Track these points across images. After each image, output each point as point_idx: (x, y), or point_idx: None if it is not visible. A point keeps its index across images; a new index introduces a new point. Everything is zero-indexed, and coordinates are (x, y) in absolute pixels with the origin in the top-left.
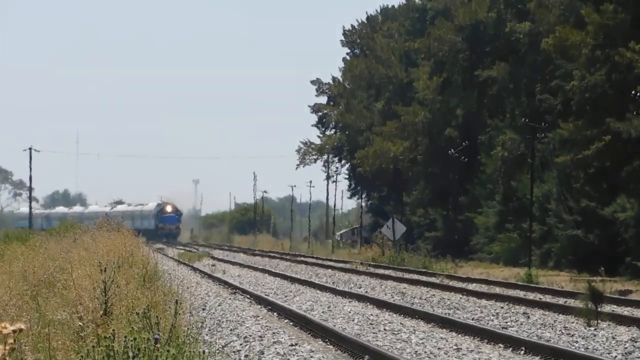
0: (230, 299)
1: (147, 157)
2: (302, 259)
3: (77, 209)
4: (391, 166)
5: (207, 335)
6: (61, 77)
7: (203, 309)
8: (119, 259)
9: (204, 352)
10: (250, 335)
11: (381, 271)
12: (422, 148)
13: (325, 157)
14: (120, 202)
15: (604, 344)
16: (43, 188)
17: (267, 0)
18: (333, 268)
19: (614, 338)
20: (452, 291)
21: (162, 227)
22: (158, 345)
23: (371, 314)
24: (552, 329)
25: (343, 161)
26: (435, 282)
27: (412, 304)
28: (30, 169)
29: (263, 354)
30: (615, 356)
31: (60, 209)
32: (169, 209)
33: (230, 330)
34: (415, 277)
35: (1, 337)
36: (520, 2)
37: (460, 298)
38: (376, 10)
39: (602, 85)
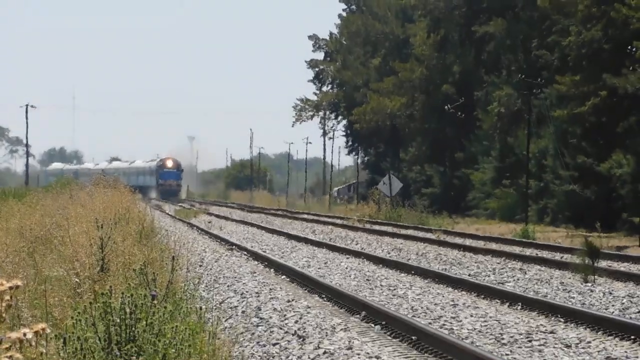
0: (227, 255)
1: (142, 114)
2: (299, 215)
3: (102, 165)
4: (388, 123)
5: (204, 291)
6: (57, 32)
7: (200, 266)
8: (116, 215)
9: (201, 308)
10: (247, 292)
11: (378, 227)
12: (419, 104)
13: (321, 113)
14: (117, 159)
15: (601, 299)
16: (39, 145)
17: None
18: (329, 224)
19: (610, 294)
20: (449, 247)
21: (163, 183)
22: (155, 302)
23: (368, 270)
24: (549, 284)
25: (340, 117)
26: (432, 238)
27: (409, 259)
28: (27, 125)
29: (260, 310)
30: (612, 312)
31: (88, 165)
32: (169, 163)
33: (228, 286)
34: (412, 233)
35: None
36: None
37: (457, 254)
38: None
39: (598, 41)
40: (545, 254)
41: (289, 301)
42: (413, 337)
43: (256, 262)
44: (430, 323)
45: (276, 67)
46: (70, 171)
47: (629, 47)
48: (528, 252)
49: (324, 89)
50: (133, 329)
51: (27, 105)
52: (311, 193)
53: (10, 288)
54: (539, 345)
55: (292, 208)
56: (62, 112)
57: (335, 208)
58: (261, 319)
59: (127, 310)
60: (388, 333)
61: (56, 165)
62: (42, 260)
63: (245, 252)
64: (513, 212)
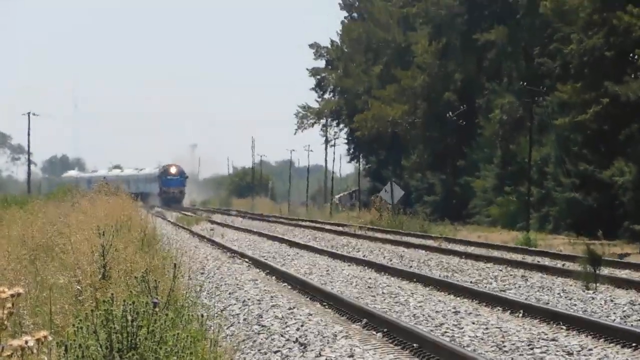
0: (228, 262)
1: (144, 122)
2: (301, 222)
3: (116, 171)
4: (389, 130)
5: (205, 298)
6: (59, 39)
7: (202, 273)
8: (117, 222)
9: (202, 315)
10: (248, 299)
11: (379, 235)
12: (421, 112)
13: (323, 121)
14: (118, 167)
15: (603, 307)
16: (41, 152)
17: None
18: (331, 232)
19: (612, 301)
20: (451, 254)
21: (166, 190)
22: (157, 309)
23: (369, 278)
24: (551, 291)
25: (341, 125)
26: (434, 245)
27: (411, 267)
28: (29, 133)
29: (261, 317)
30: (614, 319)
31: (101, 173)
32: (173, 170)
33: (229, 293)
34: (414, 240)
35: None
36: None
37: (459, 261)
38: None
39: (600, 48)
40: (547, 262)
41: (290, 309)
42: (415, 345)
43: (258, 270)
44: (432, 330)
45: (278, 74)
46: (83, 179)
47: (631, 55)
48: (530, 259)
49: (326, 96)
50: (134, 336)
51: (29, 113)
52: (313, 200)
53: (12, 295)
54: (541, 352)
55: (293, 215)
56: (64, 120)
57: (337, 215)
58: (262, 326)
59: (129, 317)
60: (390, 340)
61: (71, 174)
62: (44, 268)
63: (247, 260)
64: (515, 220)
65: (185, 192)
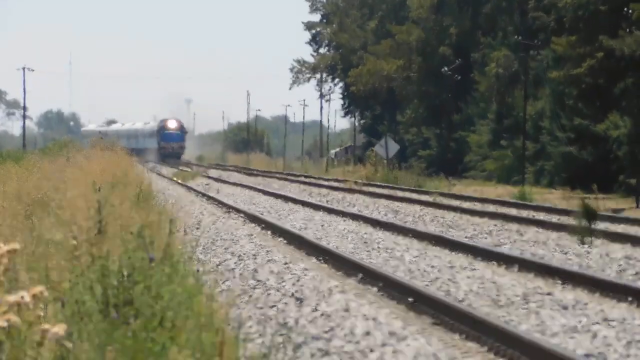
0: (224, 218)
1: (139, 77)
2: (296, 177)
3: (128, 125)
4: (385, 85)
5: (201, 254)
6: None
7: (197, 228)
8: (114, 178)
9: (198, 270)
10: (244, 254)
11: (375, 190)
12: (416, 67)
13: (318, 76)
14: (114, 121)
15: (598, 261)
16: (36, 107)
17: None
18: (327, 187)
19: (607, 255)
20: (446, 209)
21: (165, 146)
22: (153, 264)
23: (365, 233)
24: (546, 246)
25: (337, 80)
26: (429, 200)
27: (406, 222)
28: (24, 88)
29: (257, 272)
30: (609, 273)
31: (115, 127)
32: (172, 124)
33: (225, 248)
34: (409, 195)
35: None
36: None
37: (454, 216)
38: None
39: (595, 2)
40: (542, 216)
41: (286, 263)
42: (410, 299)
43: (253, 225)
44: (427, 285)
45: (273, 28)
46: (103, 133)
47: (626, 9)
48: (525, 214)
49: (321, 51)
50: (130, 291)
51: (24, 68)
52: (308, 156)
53: (8, 251)
54: (536, 307)
55: (289, 170)
56: (59, 75)
57: (333, 170)
58: (258, 281)
59: (125, 273)
60: (385, 295)
61: (90, 127)
62: (40, 224)
63: (243, 215)
64: (510, 174)
65: (185, 147)
